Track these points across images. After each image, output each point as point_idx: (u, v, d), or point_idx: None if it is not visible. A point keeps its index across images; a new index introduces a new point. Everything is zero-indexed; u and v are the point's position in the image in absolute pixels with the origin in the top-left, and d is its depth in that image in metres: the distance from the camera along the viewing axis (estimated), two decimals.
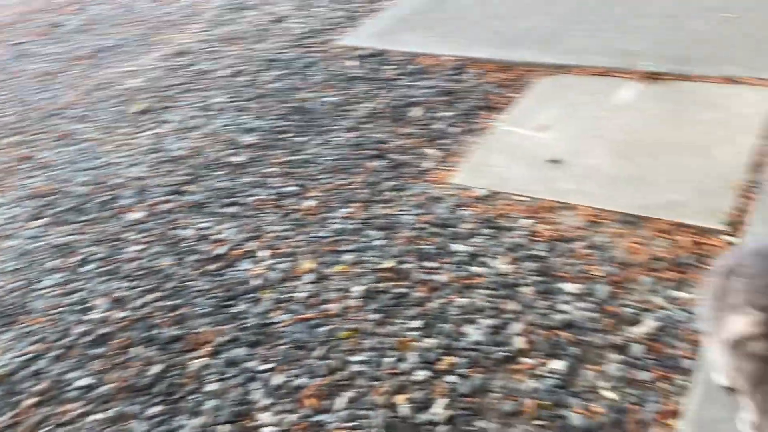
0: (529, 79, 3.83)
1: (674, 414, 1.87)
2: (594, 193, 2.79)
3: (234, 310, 2.52)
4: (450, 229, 2.75)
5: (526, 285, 2.40)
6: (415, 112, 3.70)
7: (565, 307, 2.28)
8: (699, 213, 2.56)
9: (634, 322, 2.18)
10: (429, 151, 3.35)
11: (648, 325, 2.15)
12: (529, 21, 4.38)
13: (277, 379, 2.21)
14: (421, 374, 2.13)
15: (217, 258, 2.81)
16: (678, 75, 3.49)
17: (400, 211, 2.89)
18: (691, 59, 3.58)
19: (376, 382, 2.13)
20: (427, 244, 2.67)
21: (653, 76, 3.53)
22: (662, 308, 2.20)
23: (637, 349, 2.08)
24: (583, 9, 4.40)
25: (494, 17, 4.54)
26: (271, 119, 3.83)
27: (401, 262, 2.60)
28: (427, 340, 2.24)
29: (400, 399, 2.07)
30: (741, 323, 1.64)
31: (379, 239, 2.74)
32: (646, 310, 2.22)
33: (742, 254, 1.86)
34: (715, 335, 1.71)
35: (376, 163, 3.27)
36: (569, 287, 2.35)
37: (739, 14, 3.90)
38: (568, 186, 2.87)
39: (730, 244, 2.37)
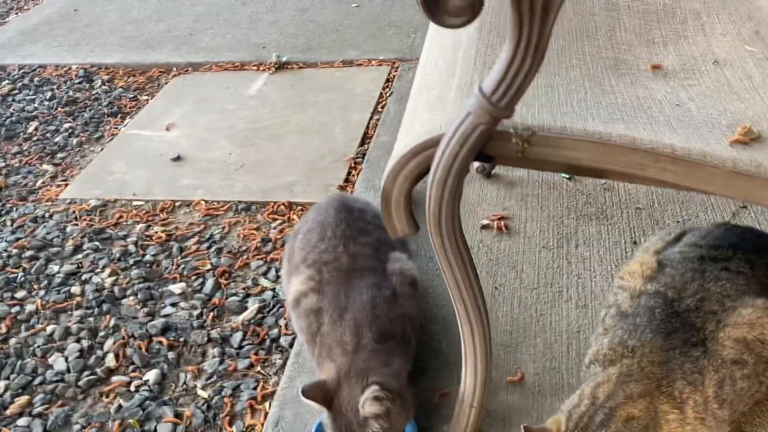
0: (162, 81, 3.61)
1: (271, 395, 1.75)
2: (214, 186, 2.64)
3: None
4: (50, 250, 2.37)
5: (130, 295, 2.14)
6: (32, 127, 3.24)
7: (168, 310, 2.06)
8: (312, 190, 2.55)
9: (239, 310, 2.04)
10: (44, 167, 2.93)
11: (251, 310, 2.02)
12: (165, 24, 4.17)
13: None
14: None
15: None
16: (304, 63, 3.53)
17: None
18: (317, 48, 3.67)
19: None
20: (18, 272, 2.27)
21: (282, 66, 3.52)
22: (267, 290, 2.09)
23: (237, 338, 1.94)
24: (220, 8, 4.31)
25: (129, 22, 4.24)
26: None
27: None
28: None
29: None
30: (297, 282, 1.57)
31: None
32: (251, 294, 2.09)
33: (306, 216, 1.81)
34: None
35: None
36: (176, 288, 2.14)
37: (361, 3, 4.10)
38: (189, 182, 2.69)
39: None
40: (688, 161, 1.04)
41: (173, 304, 2.10)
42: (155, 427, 1.72)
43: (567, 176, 2.39)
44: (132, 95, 3.53)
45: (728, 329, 1.25)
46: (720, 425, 1.25)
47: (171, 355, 1.91)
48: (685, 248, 1.43)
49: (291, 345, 1.91)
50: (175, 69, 3.72)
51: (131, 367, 1.90)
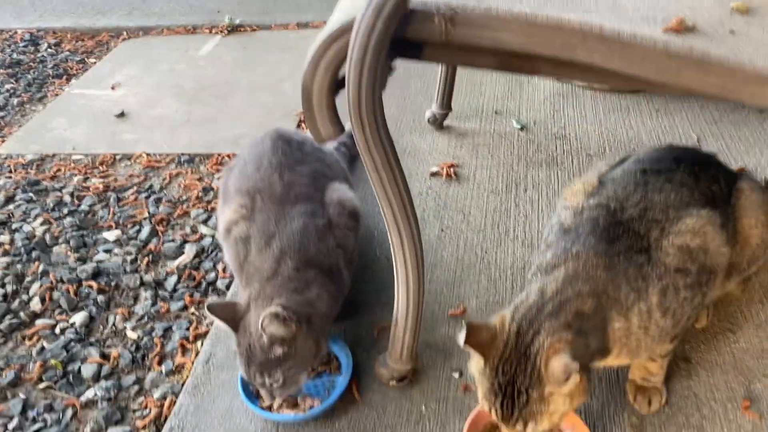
0: (112, 45, 3.50)
1: (204, 336, 1.67)
2: (157, 141, 2.55)
3: None
4: None
5: (62, 243, 2.04)
6: None
7: (101, 256, 1.97)
8: None
9: (175, 255, 1.95)
10: None
11: (188, 255, 1.94)
12: None
13: None
14: None
15: None
16: (258, 26, 3.46)
17: None
18: (272, 11, 3.60)
19: None
20: None
21: (235, 29, 3.44)
22: (206, 236, 2.01)
23: (172, 282, 1.85)
24: None
25: None
26: None
27: None
28: None
29: None
30: (228, 211, 1.49)
31: None
32: (190, 241, 2.01)
33: (242, 150, 1.73)
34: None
35: None
36: (110, 235, 2.04)
37: None
38: (132, 137, 2.59)
39: None
40: (619, 42, 0.99)
41: (107, 251, 2.00)
42: (79, 367, 1.63)
43: (519, 126, 2.35)
44: (79, 58, 3.41)
45: (672, 237, 1.21)
46: (663, 338, 1.21)
47: (101, 298, 1.82)
48: (627, 165, 1.39)
49: (228, 287, 1.83)
50: (125, 33, 3.61)
51: (57, 311, 1.80)
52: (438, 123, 2.35)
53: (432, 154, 2.24)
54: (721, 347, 1.47)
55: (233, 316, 1.32)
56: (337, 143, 1.97)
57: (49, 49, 3.50)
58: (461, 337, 1.09)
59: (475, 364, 1.15)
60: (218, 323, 1.32)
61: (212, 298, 1.80)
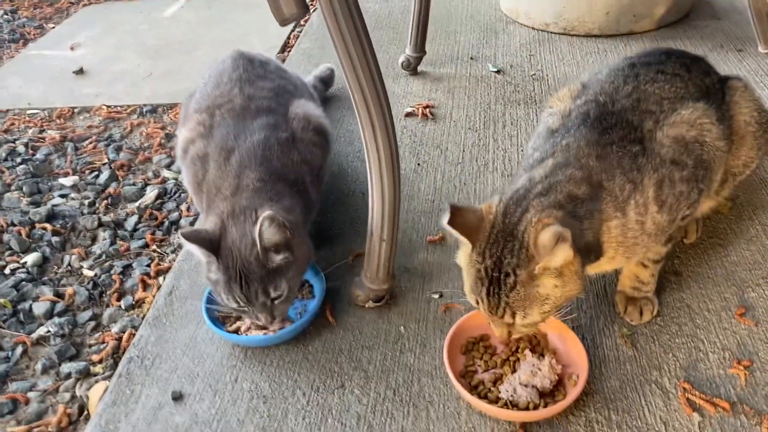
0: (72, 11, 3.36)
1: (166, 271, 1.56)
2: (118, 93, 2.43)
3: None
4: None
5: (15, 190, 1.91)
6: None
7: (56, 201, 1.85)
8: None
9: (136, 198, 1.83)
10: None
11: (150, 196, 1.82)
12: None
13: None
14: None
15: None
16: None
17: None
18: None
19: None
20: None
21: None
22: (169, 180, 1.90)
23: (132, 222, 1.74)
24: None
25: None
26: None
27: None
28: None
29: None
30: (185, 130, 1.38)
31: None
32: (151, 184, 1.89)
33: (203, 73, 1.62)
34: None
35: None
36: (67, 181, 1.92)
37: None
38: (91, 91, 2.47)
39: None
40: None
41: (63, 196, 1.88)
42: (30, 306, 1.51)
43: (495, 69, 2.28)
44: (37, 24, 3.27)
45: (667, 128, 1.14)
46: (659, 236, 1.14)
47: (56, 239, 1.70)
48: (614, 63, 1.32)
49: (192, 225, 1.72)
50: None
51: (7, 253, 1.68)
52: (412, 67, 2.27)
53: (406, 98, 2.16)
54: (712, 261, 1.40)
55: (209, 240, 1.20)
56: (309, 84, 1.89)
57: (5, 16, 3.35)
58: (444, 218, 1.01)
59: (462, 253, 1.07)
60: (196, 250, 1.19)
61: (175, 237, 1.69)
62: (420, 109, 2.07)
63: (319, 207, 1.46)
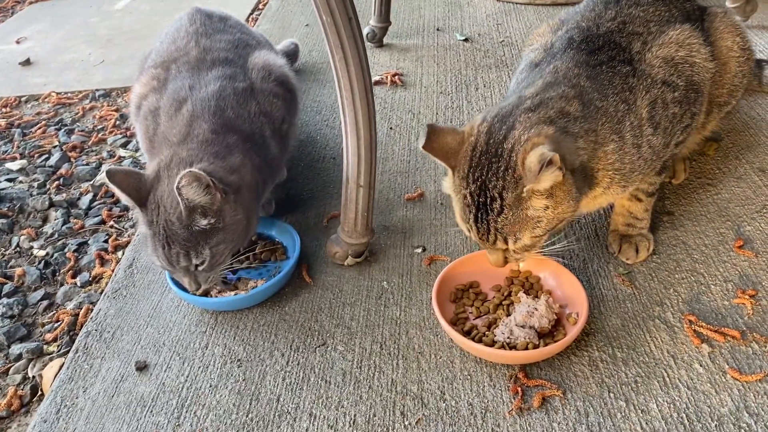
0: (18, 9, 3.21)
1: (125, 246, 1.44)
2: (68, 81, 2.30)
3: None
4: None
5: None
6: None
7: (2, 185, 1.70)
8: None
9: (90, 177, 1.71)
10: None
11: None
12: None
13: None
14: None
15: None
16: None
17: None
18: None
19: None
20: None
21: None
22: (125, 159, 1.78)
23: (86, 200, 1.61)
24: None
25: None
26: None
27: None
28: None
29: None
30: (138, 85, 1.27)
31: None
32: (106, 162, 1.77)
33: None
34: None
35: None
36: (14, 165, 1.79)
37: None
38: (39, 80, 2.34)
39: None
40: None
41: (10, 180, 1.75)
42: None
43: (462, 38, 2.21)
44: None
45: (656, 49, 1.08)
46: (654, 160, 1.07)
47: (2, 221, 1.56)
48: None
49: None
50: None
51: None
52: (378, 39, 2.19)
53: (374, 68, 2.08)
54: (703, 199, 1.34)
55: (137, 187, 1.07)
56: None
57: None
58: (420, 141, 0.92)
59: (447, 180, 0.98)
60: (120, 194, 1.07)
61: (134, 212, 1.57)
62: (388, 77, 1.99)
63: (285, 169, 1.36)
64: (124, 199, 1.06)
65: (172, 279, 1.19)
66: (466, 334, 1.06)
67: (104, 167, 1.74)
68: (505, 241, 0.93)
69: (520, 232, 0.92)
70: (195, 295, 1.13)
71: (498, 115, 0.95)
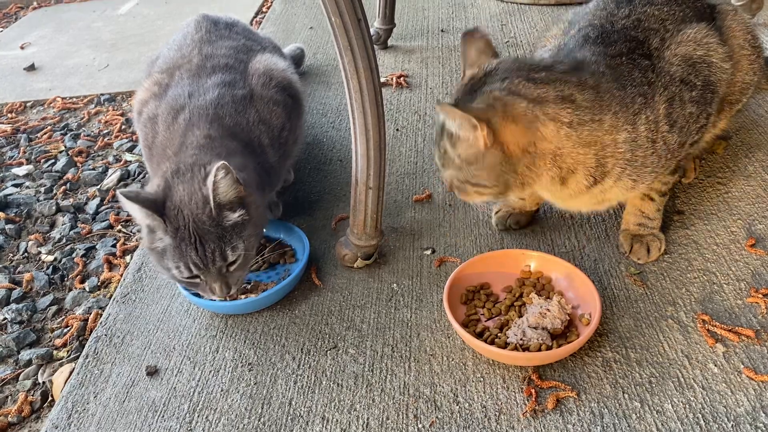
0: (21, 15, 3.22)
1: (133, 250, 1.43)
2: (73, 85, 2.30)
3: None
4: None
5: None
6: None
7: (9, 191, 1.71)
8: None
9: (97, 182, 1.71)
10: None
11: (112, 178, 1.70)
12: None
13: None
14: None
15: None
16: None
17: None
18: None
19: None
20: None
21: None
22: (131, 163, 1.78)
23: (94, 205, 1.61)
24: None
25: None
26: None
27: None
28: None
29: None
30: (140, 90, 1.27)
31: None
32: (113, 167, 1.77)
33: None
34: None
35: None
36: (20, 171, 1.78)
37: None
38: (44, 86, 2.33)
39: None
40: None
41: (17, 185, 1.75)
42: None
43: None
44: None
45: (674, 47, 1.08)
46: (669, 159, 1.07)
47: (10, 227, 1.56)
48: None
49: None
50: (35, 2, 3.33)
51: None
52: (382, 41, 2.19)
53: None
54: (713, 198, 1.34)
55: (154, 200, 1.06)
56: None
57: None
58: None
59: None
60: (137, 213, 1.04)
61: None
62: (394, 79, 1.99)
63: (292, 172, 1.36)
64: (143, 217, 1.04)
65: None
66: (479, 335, 1.05)
67: (111, 171, 1.74)
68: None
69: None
70: (225, 300, 1.12)
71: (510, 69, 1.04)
